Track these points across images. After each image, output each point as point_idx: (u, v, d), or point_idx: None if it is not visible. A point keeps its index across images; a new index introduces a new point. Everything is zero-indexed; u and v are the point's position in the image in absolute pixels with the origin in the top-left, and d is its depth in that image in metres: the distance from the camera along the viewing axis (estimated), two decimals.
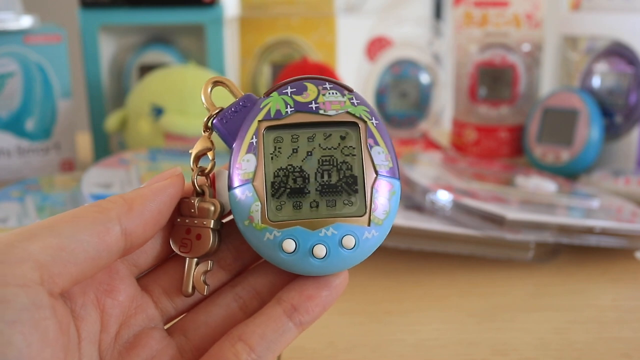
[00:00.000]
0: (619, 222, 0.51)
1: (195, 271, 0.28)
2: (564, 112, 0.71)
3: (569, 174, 0.70)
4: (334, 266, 0.27)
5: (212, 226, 0.28)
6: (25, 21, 0.69)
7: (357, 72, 0.87)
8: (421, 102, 0.84)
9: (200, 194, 0.29)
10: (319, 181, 0.27)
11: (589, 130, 0.69)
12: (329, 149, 0.28)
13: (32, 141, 0.71)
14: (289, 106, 0.28)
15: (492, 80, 0.76)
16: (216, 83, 0.30)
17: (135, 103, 0.72)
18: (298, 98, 0.28)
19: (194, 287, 0.29)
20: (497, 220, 0.50)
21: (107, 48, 0.79)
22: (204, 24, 0.77)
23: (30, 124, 0.71)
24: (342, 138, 0.28)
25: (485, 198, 0.54)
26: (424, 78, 0.84)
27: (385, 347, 0.40)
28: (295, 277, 0.28)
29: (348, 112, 0.28)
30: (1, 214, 0.53)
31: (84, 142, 0.87)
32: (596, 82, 0.72)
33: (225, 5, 0.79)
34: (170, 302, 0.29)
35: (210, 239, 0.28)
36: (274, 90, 0.29)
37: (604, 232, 0.50)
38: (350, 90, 0.29)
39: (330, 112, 0.28)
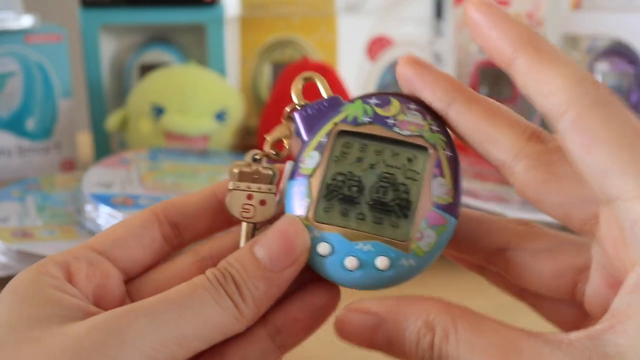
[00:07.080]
0: None
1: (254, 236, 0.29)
2: None
3: None
4: (361, 282, 0.27)
5: (274, 192, 0.29)
6: (26, 21, 0.69)
7: (357, 72, 0.87)
8: None
9: (258, 161, 0.29)
10: (373, 196, 0.27)
11: None
12: (393, 167, 0.27)
13: (33, 141, 0.71)
14: (367, 116, 0.28)
15: (493, 80, 0.76)
16: (307, 79, 0.30)
17: (136, 103, 0.72)
18: (378, 110, 0.28)
19: None
20: None
21: (107, 48, 0.79)
22: (204, 24, 0.77)
23: (30, 124, 0.71)
24: (409, 160, 0.27)
25: (486, 197, 0.54)
26: None
27: None
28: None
29: (423, 137, 0.27)
30: (1, 213, 0.53)
31: (84, 142, 0.87)
32: None
33: (225, 4, 0.79)
34: None
35: (275, 204, 0.28)
36: (359, 98, 0.29)
37: None
38: (435, 117, 0.28)
39: (404, 132, 0.27)
